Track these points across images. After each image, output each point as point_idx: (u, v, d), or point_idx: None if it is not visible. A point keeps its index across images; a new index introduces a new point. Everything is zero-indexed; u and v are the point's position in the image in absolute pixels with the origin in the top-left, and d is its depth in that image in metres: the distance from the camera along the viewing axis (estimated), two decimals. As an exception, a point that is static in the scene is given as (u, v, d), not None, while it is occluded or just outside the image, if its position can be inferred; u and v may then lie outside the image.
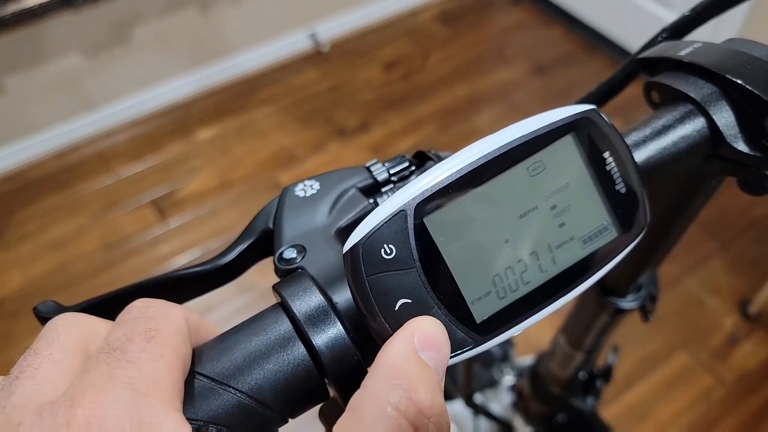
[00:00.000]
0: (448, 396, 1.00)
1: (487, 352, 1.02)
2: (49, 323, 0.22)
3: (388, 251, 0.22)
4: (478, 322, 0.23)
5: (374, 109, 2.07)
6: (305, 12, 2.22)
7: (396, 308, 0.22)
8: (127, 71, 1.99)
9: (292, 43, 2.25)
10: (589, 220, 0.25)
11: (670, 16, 0.41)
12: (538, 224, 0.24)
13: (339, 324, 0.23)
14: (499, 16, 2.42)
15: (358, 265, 0.22)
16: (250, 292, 1.56)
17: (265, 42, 2.20)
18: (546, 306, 0.25)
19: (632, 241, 0.27)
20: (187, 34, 2.02)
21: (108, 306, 0.28)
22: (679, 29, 0.36)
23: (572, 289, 0.25)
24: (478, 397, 0.92)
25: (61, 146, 2.00)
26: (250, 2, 2.07)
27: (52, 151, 1.99)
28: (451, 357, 0.23)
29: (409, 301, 0.22)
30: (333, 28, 2.30)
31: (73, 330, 0.22)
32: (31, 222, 1.80)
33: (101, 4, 1.79)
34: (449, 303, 0.23)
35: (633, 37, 2.07)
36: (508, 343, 1.05)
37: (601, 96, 0.38)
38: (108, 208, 1.82)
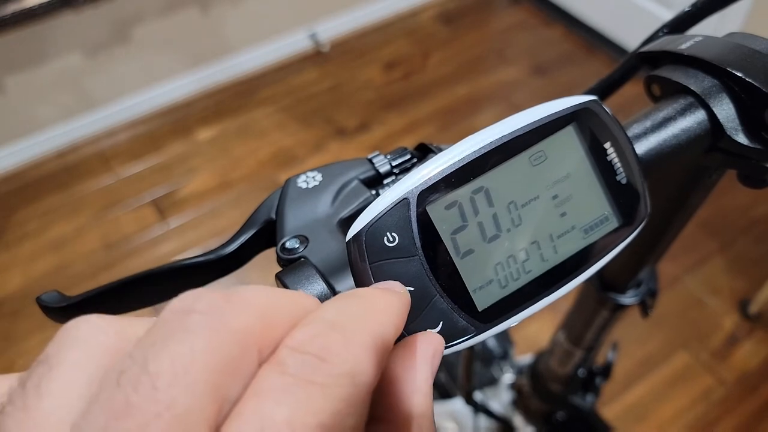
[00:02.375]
0: (449, 394, 1.00)
1: (487, 351, 1.02)
2: (68, 328, 0.17)
3: (391, 239, 0.22)
4: (479, 310, 0.24)
5: (374, 109, 2.07)
6: (305, 12, 2.23)
7: None
8: (127, 71, 1.99)
9: (292, 43, 2.25)
10: (590, 210, 0.26)
11: (669, 16, 0.41)
12: (540, 214, 0.25)
13: None
14: (499, 16, 2.42)
15: (361, 253, 0.22)
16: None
17: (265, 42, 2.20)
18: (547, 295, 0.25)
19: (633, 232, 0.27)
20: (187, 34, 2.03)
21: (113, 296, 0.28)
22: (679, 24, 0.36)
23: (573, 279, 0.25)
24: (477, 396, 0.92)
25: (61, 146, 2.00)
26: (250, 2, 2.07)
27: (52, 151, 1.99)
28: (453, 345, 0.23)
29: (412, 288, 0.23)
30: (333, 28, 2.30)
31: (97, 346, 0.16)
32: (31, 222, 1.80)
33: (101, 4, 1.79)
34: (451, 291, 0.23)
35: (633, 37, 2.08)
36: (508, 341, 1.05)
37: (602, 90, 0.39)
38: (108, 208, 1.82)
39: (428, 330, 0.22)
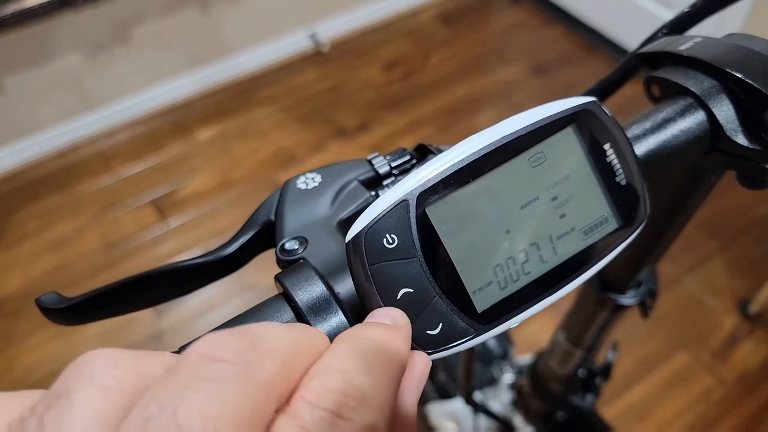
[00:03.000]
0: (449, 394, 1.00)
1: (487, 351, 1.02)
2: (85, 362, 0.16)
3: (391, 241, 0.22)
4: (479, 312, 0.24)
5: (374, 109, 2.07)
6: (305, 12, 2.23)
7: (398, 297, 0.22)
8: (127, 71, 1.99)
9: (292, 43, 2.25)
10: (589, 211, 0.26)
11: (669, 16, 0.41)
12: (539, 215, 0.25)
13: (341, 313, 0.23)
14: (499, 16, 2.42)
15: (361, 255, 0.22)
16: (252, 291, 1.56)
17: (265, 42, 2.20)
18: (547, 297, 0.25)
19: (632, 233, 0.27)
20: (187, 34, 2.03)
21: (112, 297, 0.28)
22: (679, 25, 0.36)
23: (573, 280, 0.25)
24: (477, 396, 0.92)
25: (61, 146, 2.00)
26: (250, 2, 2.07)
27: (52, 151, 1.99)
28: (453, 346, 0.23)
29: (411, 290, 0.23)
30: (333, 28, 2.30)
31: (114, 383, 0.15)
32: (31, 222, 1.80)
33: (101, 4, 1.79)
34: (451, 292, 0.23)
35: (633, 37, 2.08)
36: (508, 341, 1.05)
37: (601, 91, 0.39)
38: (108, 208, 1.82)
39: (417, 350, 0.22)
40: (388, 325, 0.21)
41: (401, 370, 0.19)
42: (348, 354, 0.18)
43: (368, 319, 0.22)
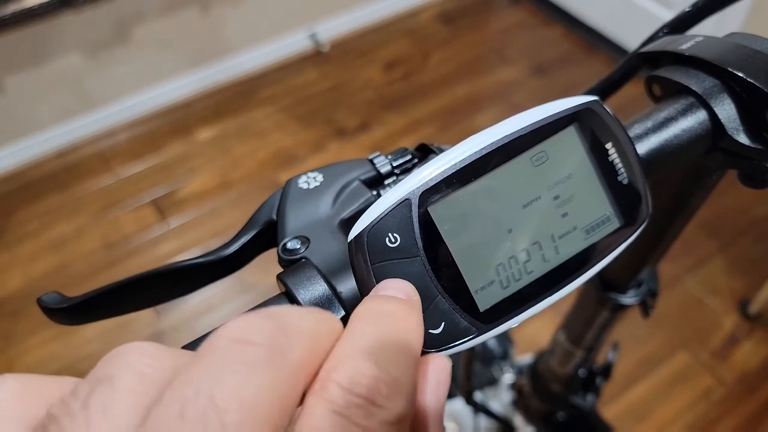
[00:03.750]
0: (448, 394, 1.00)
1: (487, 351, 1.02)
2: (122, 352, 0.16)
3: (393, 240, 0.22)
4: (481, 311, 0.24)
5: (374, 109, 2.07)
6: (305, 12, 2.23)
7: None
8: (127, 71, 1.99)
9: (292, 43, 2.25)
10: (591, 210, 0.26)
11: (669, 16, 0.41)
12: (541, 214, 0.25)
13: (343, 312, 0.23)
14: (499, 16, 2.42)
15: (363, 254, 0.22)
16: (252, 291, 1.56)
17: (265, 42, 2.20)
18: (549, 296, 0.25)
19: (634, 233, 0.27)
20: (187, 34, 2.03)
21: (114, 297, 0.28)
22: (679, 25, 0.36)
23: (575, 279, 0.25)
24: (478, 396, 0.92)
25: (61, 146, 2.00)
26: (250, 2, 2.07)
27: (52, 151, 1.99)
28: (455, 345, 0.23)
29: None
30: (333, 28, 2.30)
31: (152, 374, 0.16)
32: (31, 222, 1.80)
33: (101, 4, 1.79)
34: (453, 291, 0.23)
35: (633, 37, 2.08)
36: (508, 341, 1.05)
37: (602, 91, 0.39)
38: (108, 208, 1.82)
39: (438, 354, 0.22)
40: (403, 299, 0.21)
41: (419, 350, 0.19)
42: (372, 336, 0.18)
43: (379, 289, 0.22)
